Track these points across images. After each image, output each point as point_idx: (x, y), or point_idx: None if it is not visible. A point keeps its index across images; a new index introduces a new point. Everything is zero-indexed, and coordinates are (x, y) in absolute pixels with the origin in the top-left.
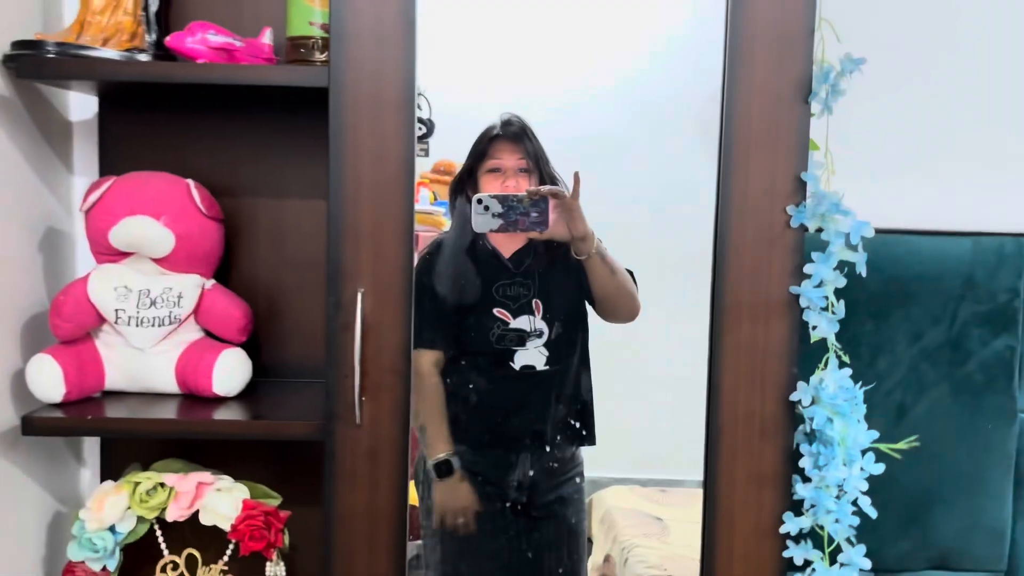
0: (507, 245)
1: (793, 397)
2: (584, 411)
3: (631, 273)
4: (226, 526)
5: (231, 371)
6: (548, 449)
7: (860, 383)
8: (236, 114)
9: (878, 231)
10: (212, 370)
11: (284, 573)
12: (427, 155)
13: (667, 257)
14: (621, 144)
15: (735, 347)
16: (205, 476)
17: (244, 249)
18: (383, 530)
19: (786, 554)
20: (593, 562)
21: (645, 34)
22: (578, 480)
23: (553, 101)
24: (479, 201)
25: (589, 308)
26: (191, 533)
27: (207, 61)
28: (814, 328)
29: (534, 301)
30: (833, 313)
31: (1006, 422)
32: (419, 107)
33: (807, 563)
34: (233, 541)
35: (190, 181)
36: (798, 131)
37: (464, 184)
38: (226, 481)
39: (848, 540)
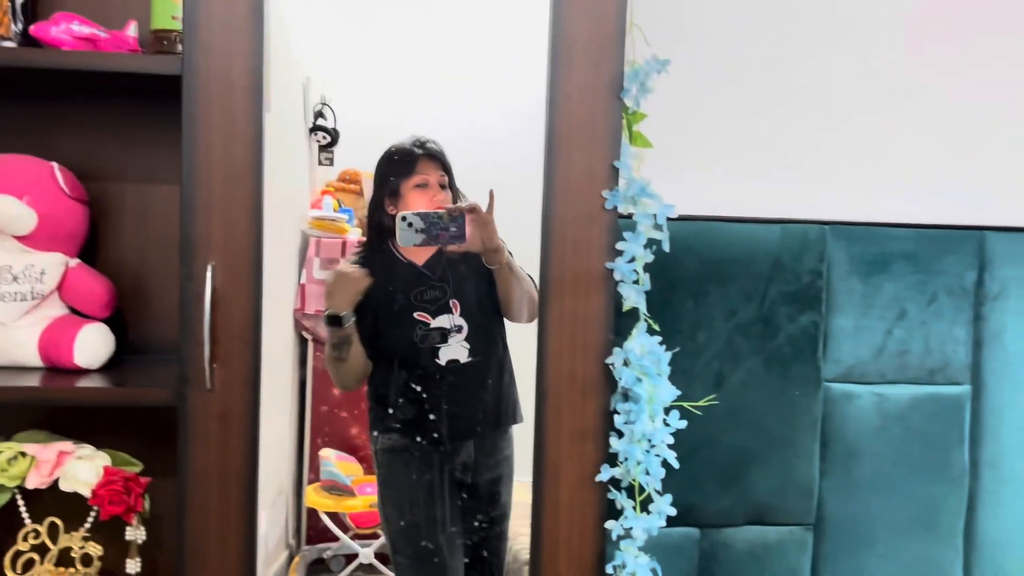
0: (420, 254)
1: (608, 360)
2: (510, 394)
3: (532, 279)
4: (86, 492)
5: (93, 343)
6: (482, 432)
7: (664, 346)
8: (103, 104)
9: (699, 218)
10: (74, 342)
11: (144, 537)
12: (332, 164)
13: None
14: (523, 162)
15: (559, 316)
16: (66, 445)
17: (111, 231)
18: (234, 488)
19: (608, 496)
20: None
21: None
22: (510, 457)
23: (457, 116)
24: (403, 219)
25: None
26: (53, 502)
27: (71, 50)
28: (625, 299)
29: (451, 301)
30: (642, 286)
31: (812, 390)
32: (324, 117)
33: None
34: (95, 508)
35: (54, 164)
36: (612, 124)
37: (383, 208)
38: (87, 449)
39: (656, 491)
